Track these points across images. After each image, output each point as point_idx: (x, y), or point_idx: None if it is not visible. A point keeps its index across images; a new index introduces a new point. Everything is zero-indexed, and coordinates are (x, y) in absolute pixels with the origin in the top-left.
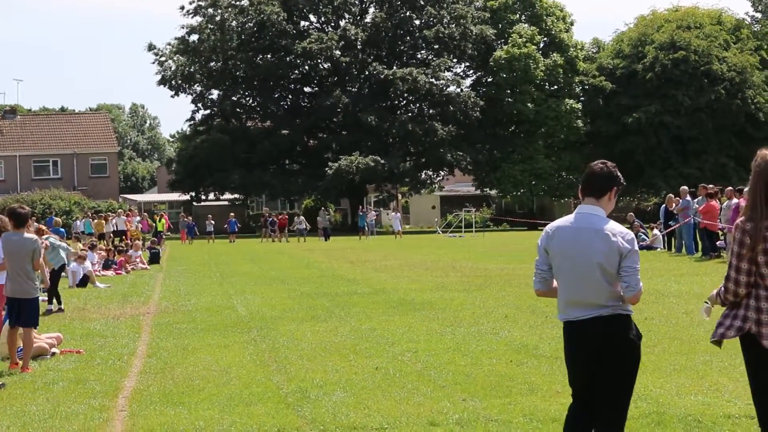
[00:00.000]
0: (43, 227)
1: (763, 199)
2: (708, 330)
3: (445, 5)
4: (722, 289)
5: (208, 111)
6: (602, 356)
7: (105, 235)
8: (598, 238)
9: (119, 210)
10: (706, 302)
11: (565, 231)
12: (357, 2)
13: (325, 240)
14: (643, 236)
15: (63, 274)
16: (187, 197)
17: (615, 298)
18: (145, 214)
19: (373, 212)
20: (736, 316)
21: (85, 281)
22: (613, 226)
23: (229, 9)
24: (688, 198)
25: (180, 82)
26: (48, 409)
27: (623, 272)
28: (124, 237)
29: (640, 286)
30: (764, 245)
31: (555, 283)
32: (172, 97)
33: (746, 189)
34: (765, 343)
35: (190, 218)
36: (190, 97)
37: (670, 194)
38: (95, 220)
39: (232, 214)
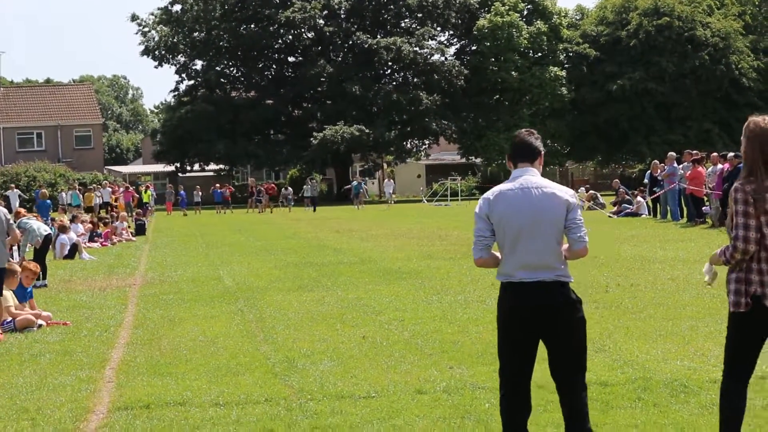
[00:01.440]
0: (21, 210)
1: (761, 163)
2: (693, 295)
3: None
4: (730, 248)
5: (192, 81)
6: (546, 322)
7: (94, 208)
8: (544, 196)
9: (104, 182)
10: (710, 266)
11: (510, 194)
12: None
13: (313, 210)
14: (627, 206)
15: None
16: (172, 168)
17: (560, 259)
18: (129, 185)
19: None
20: (740, 281)
21: (72, 252)
22: (553, 183)
23: None
24: (675, 164)
25: (163, 52)
26: (35, 381)
27: (571, 224)
28: (110, 209)
29: (587, 238)
30: (765, 207)
31: (495, 252)
32: (155, 67)
33: (730, 154)
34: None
35: (181, 187)
36: (173, 68)
37: (656, 161)
38: (85, 193)
39: (217, 184)
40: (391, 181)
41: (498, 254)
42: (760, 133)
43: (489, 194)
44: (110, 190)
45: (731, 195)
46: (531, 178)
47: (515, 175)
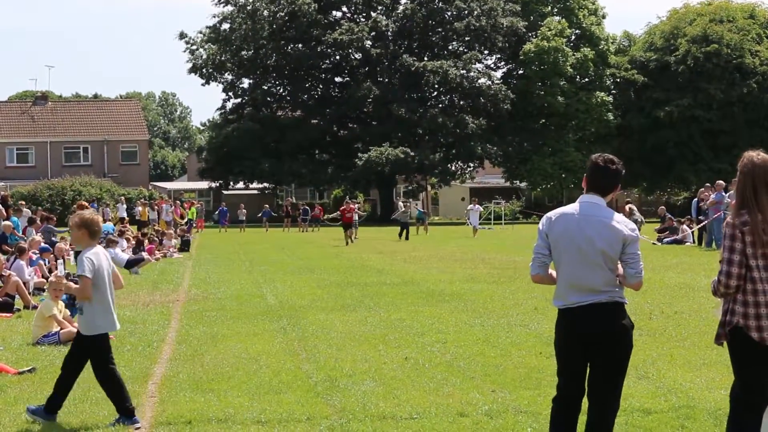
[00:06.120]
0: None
1: (752, 196)
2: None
3: None
4: (716, 281)
5: (238, 100)
6: (596, 343)
7: (146, 223)
8: (603, 226)
9: (160, 198)
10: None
11: (570, 218)
12: None
13: (405, 237)
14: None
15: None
16: (216, 185)
17: (612, 284)
18: (178, 202)
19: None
20: (725, 313)
21: (133, 264)
22: (616, 216)
23: None
24: (723, 193)
25: (211, 70)
26: (78, 393)
27: (629, 259)
28: (154, 225)
29: (643, 273)
30: (755, 239)
31: (551, 271)
32: (202, 85)
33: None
34: (753, 335)
35: (223, 204)
36: (220, 86)
37: (702, 188)
38: (142, 208)
39: (266, 205)
40: (477, 206)
41: (555, 274)
42: (752, 168)
43: (552, 213)
44: (171, 207)
45: (723, 229)
46: (594, 206)
47: (582, 200)
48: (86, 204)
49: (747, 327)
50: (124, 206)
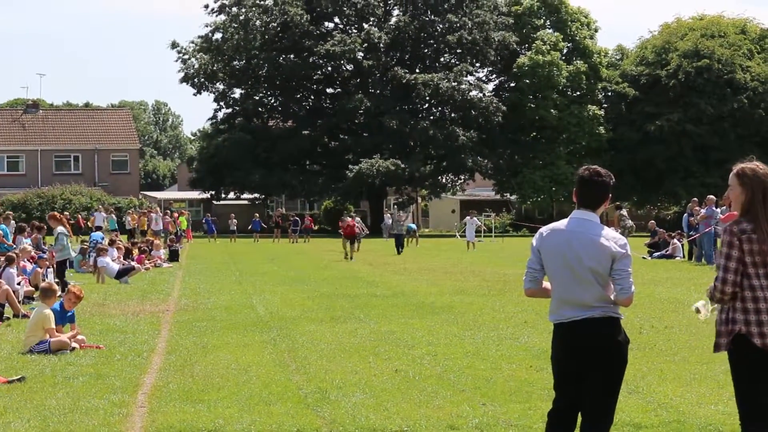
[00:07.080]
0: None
1: (762, 206)
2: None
3: (467, 12)
4: (712, 287)
5: (230, 110)
6: (590, 357)
7: (146, 232)
8: (592, 244)
9: (150, 207)
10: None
11: (560, 234)
12: (381, 5)
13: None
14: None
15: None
16: (206, 195)
17: (605, 300)
18: (168, 212)
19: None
20: (726, 321)
21: (123, 274)
22: (606, 232)
23: (254, 8)
24: (713, 207)
25: (203, 80)
26: (68, 403)
27: (616, 275)
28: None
29: (633, 289)
30: (750, 247)
31: (545, 284)
32: (194, 95)
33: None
34: (756, 342)
35: (208, 215)
36: (212, 96)
37: (695, 198)
38: (139, 217)
39: (256, 214)
40: (475, 219)
41: (549, 287)
42: (752, 177)
43: (544, 229)
44: (159, 216)
45: (721, 237)
46: (585, 222)
47: (573, 216)
48: (58, 214)
49: (749, 334)
50: (103, 215)
